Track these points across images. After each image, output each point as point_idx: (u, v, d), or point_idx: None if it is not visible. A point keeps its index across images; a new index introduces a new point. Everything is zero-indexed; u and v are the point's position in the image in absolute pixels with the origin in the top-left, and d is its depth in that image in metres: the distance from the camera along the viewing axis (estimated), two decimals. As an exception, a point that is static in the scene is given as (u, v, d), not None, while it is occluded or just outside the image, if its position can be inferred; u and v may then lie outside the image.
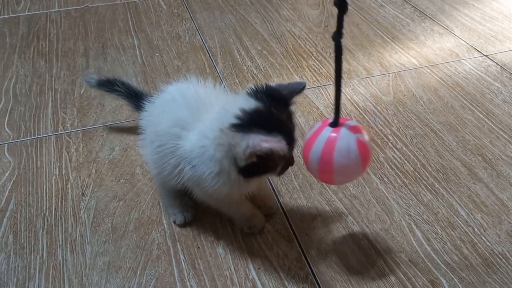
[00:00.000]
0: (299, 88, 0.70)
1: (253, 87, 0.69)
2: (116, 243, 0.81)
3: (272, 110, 0.65)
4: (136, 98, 0.96)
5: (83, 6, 1.62)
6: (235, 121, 0.63)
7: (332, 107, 1.14)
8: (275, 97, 0.68)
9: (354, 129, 0.66)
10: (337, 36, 0.62)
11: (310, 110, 1.14)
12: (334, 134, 0.65)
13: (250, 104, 0.65)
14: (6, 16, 1.56)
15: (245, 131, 0.62)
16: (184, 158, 0.69)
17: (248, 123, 0.63)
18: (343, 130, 0.66)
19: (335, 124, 0.67)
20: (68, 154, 1.00)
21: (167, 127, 0.72)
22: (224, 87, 1.22)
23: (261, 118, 0.64)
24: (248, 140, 0.60)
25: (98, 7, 1.62)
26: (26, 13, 1.57)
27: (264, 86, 0.69)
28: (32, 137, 1.05)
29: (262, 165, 0.63)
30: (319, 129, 0.67)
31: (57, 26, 1.49)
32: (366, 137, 0.67)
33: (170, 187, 0.78)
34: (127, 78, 1.25)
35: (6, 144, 1.02)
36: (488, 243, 0.81)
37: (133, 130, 1.06)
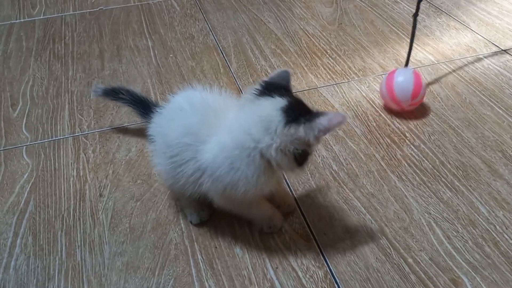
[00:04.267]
0: (287, 76, 0.73)
1: (260, 87, 0.70)
2: (134, 244, 0.81)
3: (299, 99, 0.69)
4: (141, 105, 0.97)
5: (97, 9, 1.63)
6: (286, 119, 0.65)
7: (347, 105, 1.14)
8: (281, 89, 0.70)
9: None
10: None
11: (325, 109, 1.13)
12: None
13: (280, 102, 0.67)
14: (22, 20, 1.58)
15: (306, 121, 0.65)
16: (205, 167, 0.69)
17: (296, 116, 0.65)
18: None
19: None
20: (85, 155, 1.00)
21: (177, 136, 0.72)
22: (239, 87, 1.22)
23: (300, 109, 0.67)
24: (317, 125, 0.65)
25: (112, 9, 1.63)
26: (41, 17, 1.59)
27: (266, 83, 0.71)
28: (50, 139, 1.06)
29: (309, 150, 0.68)
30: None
31: (72, 29, 1.51)
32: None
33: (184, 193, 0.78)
34: (142, 79, 1.25)
35: (25, 147, 1.03)
36: (510, 241, 0.80)
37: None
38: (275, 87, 0.70)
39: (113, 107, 1.15)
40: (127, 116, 1.12)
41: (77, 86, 1.24)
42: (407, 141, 1.02)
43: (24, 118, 1.12)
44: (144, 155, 1.00)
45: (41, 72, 1.30)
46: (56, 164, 0.99)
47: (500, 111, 1.09)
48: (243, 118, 0.69)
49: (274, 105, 0.66)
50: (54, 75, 1.29)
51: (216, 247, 0.80)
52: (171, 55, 1.36)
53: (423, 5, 1.57)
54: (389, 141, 1.02)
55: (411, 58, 1.30)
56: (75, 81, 1.26)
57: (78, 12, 1.62)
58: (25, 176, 0.96)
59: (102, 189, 0.92)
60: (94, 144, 1.04)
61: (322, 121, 0.65)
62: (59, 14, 1.61)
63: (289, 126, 0.65)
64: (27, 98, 1.19)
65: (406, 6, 1.58)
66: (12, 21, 1.57)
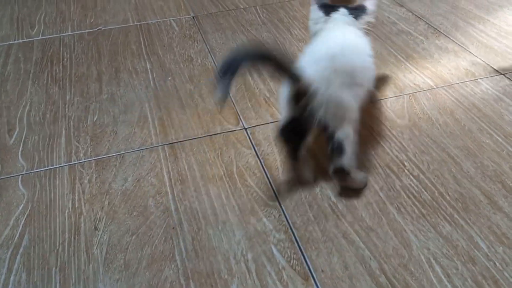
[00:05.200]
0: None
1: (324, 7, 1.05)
2: (129, 281, 0.80)
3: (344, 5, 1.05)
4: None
5: (96, 29, 1.63)
6: (356, 16, 1.04)
7: None
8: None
9: None
10: None
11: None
12: None
13: (343, 11, 1.04)
14: (20, 41, 1.58)
15: (363, 10, 1.06)
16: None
17: (356, 12, 1.05)
18: None
19: None
20: (81, 185, 1.00)
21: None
22: (237, 112, 1.21)
23: (354, 8, 1.06)
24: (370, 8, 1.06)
25: (111, 29, 1.63)
26: (40, 37, 1.59)
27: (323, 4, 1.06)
28: (46, 168, 1.05)
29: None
30: None
31: (70, 50, 1.50)
32: None
33: None
34: (139, 104, 1.25)
35: (20, 176, 1.03)
36: (511, 280, 0.79)
37: (146, 159, 1.06)
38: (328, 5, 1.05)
39: (110, 133, 1.15)
40: (124, 142, 1.11)
41: (74, 111, 1.23)
42: (406, 170, 1.01)
43: (21, 146, 1.11)
44: (141, 185, 0.99)
45: (39, 96, 1.29)
46: (52, 194, 0.98)
47: (499, 139, 1.09)
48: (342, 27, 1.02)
49: (344, 13, 1.02)
50: (52, 99, 1.28)
51: (212, 286, 0.79)
52: (169, 78, 1.36)
53: (421, 26, 1.57)
54: (388, 170, 1.01)
55: (409, 82, 1.30)
56: (73, 106, 1.25)
57: (76, 32, 1.62)
58: (20, 208, 0.95)
59: (97, 222, 0.91)
60: (90, 173, 1.03)
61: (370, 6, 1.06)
62: (58, 35, 1.61)
63: (359, 17, 1.04)
64: (24, 124, 1.19)
65: (405, 27, 1.58)
66: (10, 42, 1.57)
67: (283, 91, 0.91)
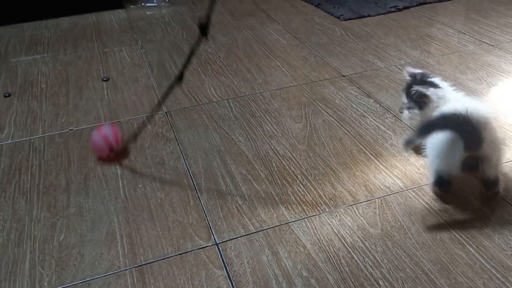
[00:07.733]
0: None
1: None
2: None
3: None
4: None
5: (67, 130, 1.63)
6: None
7: (319, 244, 1.10)
8: None
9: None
10: None
11: (297, 251, 1.11)
12: None
13: None
14: (-11, 145, 1.55)
15: None
16: None
17: None
18: None
19: None
20: (43, 324, 0.95)
21: None
22: (209, 224, 1.19)
23: None
24: None
25: (82, 130, 1.62)
26: (9, 141, 1.57)
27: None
28: (6, 303, 1.00)
29: None
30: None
31: (40, 156, 1.49)
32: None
33: None
34: (108, 218, 1.22)
35: (-22, 314, 0.97)
36: None
37: (113, 287, 1.02)
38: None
39: (76, 256, 1.11)
40: (90, 267, 1.08)
41: (40, 229, 1.19)
42: (380, 291, 0.99)
43: (-19, 275, 1.07)
44: (107, 322, 0.95)
45: (4, 212, 1.25)
46: (11, 337, 0.92)
47: (471, 249, 1.09)
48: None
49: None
50: (18, 215, 1.24)
51: None
52: (140, 186, 1.34)
53: (389, 120, 1.61)
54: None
55: (380, 184, 1.31)
56: (39, 223, 1.21)
57: (47, 134, 1.61)
58: None
59: None
60: (53, 308, 0.98)
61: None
62: (28, 138, 1.59)
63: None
64: (-14, 248, 1.14)
65: (373, 120, 1.61)
66: (-22, 147, 1.54)
67: (450, 149, 1.14)
